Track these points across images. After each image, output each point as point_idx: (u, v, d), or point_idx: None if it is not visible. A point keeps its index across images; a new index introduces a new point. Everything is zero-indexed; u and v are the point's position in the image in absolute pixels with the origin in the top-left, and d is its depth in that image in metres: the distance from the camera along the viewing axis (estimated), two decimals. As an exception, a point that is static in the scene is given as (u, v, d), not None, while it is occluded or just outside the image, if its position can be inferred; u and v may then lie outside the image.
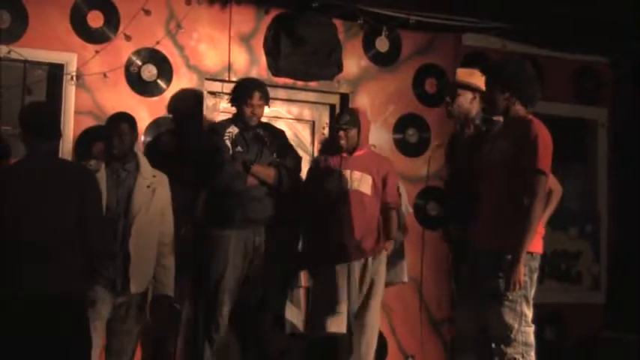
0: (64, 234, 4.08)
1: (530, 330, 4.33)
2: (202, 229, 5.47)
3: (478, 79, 4.84)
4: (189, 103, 5.94)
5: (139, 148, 4.90)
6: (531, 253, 4.29)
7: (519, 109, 4.38)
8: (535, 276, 4.34)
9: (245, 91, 5.49)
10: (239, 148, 5.44)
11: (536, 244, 4.32)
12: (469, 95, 4.97)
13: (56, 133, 4.26)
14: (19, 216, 4.05)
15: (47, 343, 4.09)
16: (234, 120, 5.55)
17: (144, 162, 4.97)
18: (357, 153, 5.56)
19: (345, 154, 5.57)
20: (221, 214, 5.37)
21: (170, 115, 5.87)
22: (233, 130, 5.49)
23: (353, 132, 5.54)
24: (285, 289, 5.71)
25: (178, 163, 5.66)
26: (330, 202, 5.49)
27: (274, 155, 5.54)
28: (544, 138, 4.26)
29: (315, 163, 5.76)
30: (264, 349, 5.38)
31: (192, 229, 5.59)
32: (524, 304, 4.29)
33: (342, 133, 5.55)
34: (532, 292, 4.33)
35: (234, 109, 5.58)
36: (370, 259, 5.49)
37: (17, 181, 4.11)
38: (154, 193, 4.86)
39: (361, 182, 5.51)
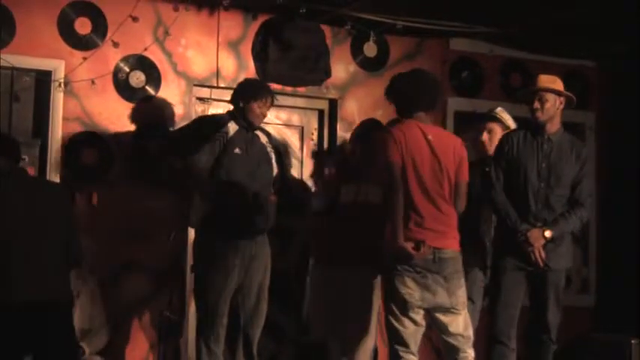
0: (48, 244, 4.22)
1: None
2: (199, 239, 5.25)
3: (560, 85, 5.10)
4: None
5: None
6: None
7: None
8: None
9: (260, 90, 5.25)
10: (237, 150, 5.17)
11: None
12: (556, 100, 5.09)
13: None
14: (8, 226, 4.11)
15: (35, 348, 4.13)
16: (233, 116, 5.27)
17: None
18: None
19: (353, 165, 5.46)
20: (220, 225, 5.13)
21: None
22: (232, 127, 5.20)
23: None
24: (279, 295, 5.69)
25: (167, 168, 5.63)
26: (338, 211, 5.33)
27: (274, 163, 5.37)
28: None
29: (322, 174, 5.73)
30: (254, 355, 5.32)
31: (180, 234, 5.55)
32: None
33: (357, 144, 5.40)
34: None
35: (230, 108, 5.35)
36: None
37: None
38: None
39: (369, 192, 5.41)
